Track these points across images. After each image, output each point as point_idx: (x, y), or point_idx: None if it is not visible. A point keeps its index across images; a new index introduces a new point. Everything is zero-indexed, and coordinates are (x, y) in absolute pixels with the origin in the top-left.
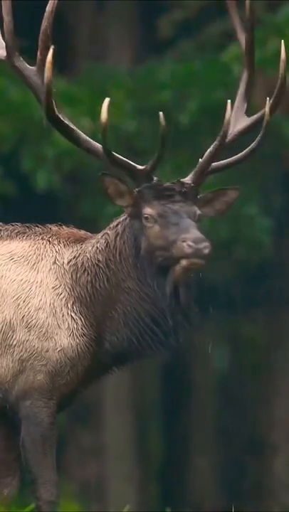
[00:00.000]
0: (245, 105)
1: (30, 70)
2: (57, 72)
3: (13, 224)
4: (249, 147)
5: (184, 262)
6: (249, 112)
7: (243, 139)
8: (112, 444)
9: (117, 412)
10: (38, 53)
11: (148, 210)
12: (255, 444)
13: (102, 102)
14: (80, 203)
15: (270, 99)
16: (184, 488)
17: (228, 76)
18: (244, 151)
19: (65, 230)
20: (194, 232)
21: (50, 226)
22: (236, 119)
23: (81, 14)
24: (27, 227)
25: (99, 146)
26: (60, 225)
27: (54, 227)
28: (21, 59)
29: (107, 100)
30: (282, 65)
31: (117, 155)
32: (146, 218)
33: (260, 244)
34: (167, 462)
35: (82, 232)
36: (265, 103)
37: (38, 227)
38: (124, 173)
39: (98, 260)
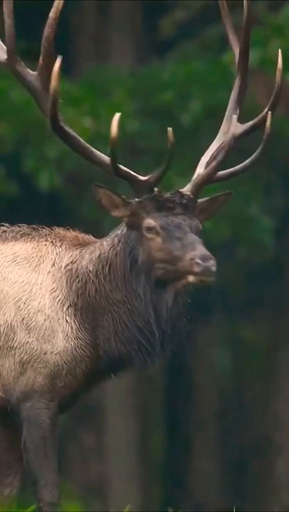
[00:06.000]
0: (238, 111)
1: (31, 74)
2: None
3: (19, 225)
4: (250, 159)
5: (191, 278)
6: (244, 116)
7: (247, 143)
8: (114, 444)
9: (119, 412)
10: (41, 59)
11: (150, 222)
12: (257, 445)
13: (104, 103)
14: (83, 203)
15: (271, 109)
16: (186, 489)
17: (230, 77)
18: (245, 163)
19: (72, 233)
20: (202, 249)
21: (57, 228)
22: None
23: (84, 15)
24: (33, 228)
25: (103, 156)
26: (68, 229)
27: (61, 230)
28: (22, 63)
29: (117, 115)
30: (278, 73)
31: (122, 167)
32: (149, 229)
33: (262, 245)
34: (169, 462)
35: (87, 236)
36: (265, 102)
37: (44, 228)
38: (128, 183)
39: (89, 270)
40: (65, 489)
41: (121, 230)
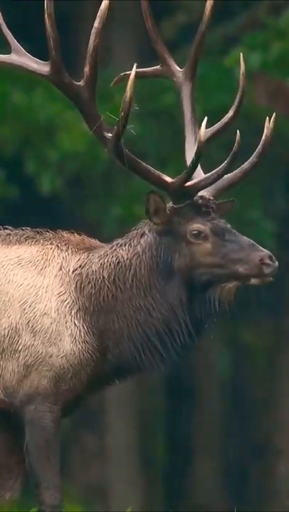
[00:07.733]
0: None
1: (76, 85)
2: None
3: (23, 228)
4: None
5: (253, 281)
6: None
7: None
8: (115, 447)
9: (121, 415)
10: (87, 69)
11: (199, 227)
12: (258, 448)
13: (105, 106)
14: (84, 206)
15: (235, 113)
16: (187, 491)
17: (231, 80)
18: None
19: (76, 237)
20: (265, 250)
21: (61, 232)
22: (189, 147)
23: (85, 17)
24: (37, 232)
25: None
26: (72, 232)
27: (65, 234)
28: (67, 75)
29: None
30: (242, 77)
31: (148, 168)
32: (196, 235)
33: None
34: (170, 465)
35: (93, 240)
36: (265, 105)
37: (48, 232)
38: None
39: (103, 276)
40: (66, 492)
41: (144, 237)
